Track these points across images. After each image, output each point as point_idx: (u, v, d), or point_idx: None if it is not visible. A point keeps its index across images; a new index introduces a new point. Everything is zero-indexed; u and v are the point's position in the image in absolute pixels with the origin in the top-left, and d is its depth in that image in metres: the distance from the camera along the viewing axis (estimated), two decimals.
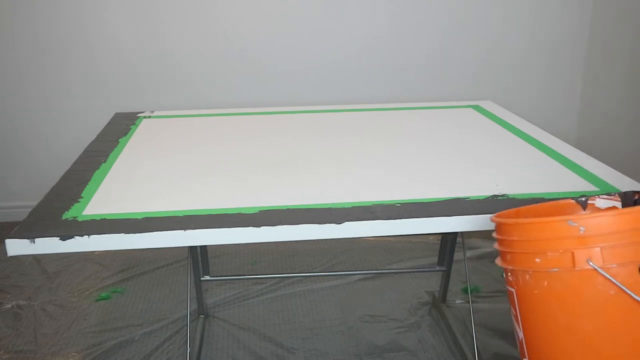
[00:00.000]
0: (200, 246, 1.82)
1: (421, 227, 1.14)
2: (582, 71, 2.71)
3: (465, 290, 2.06)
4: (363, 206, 1.18)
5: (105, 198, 1.24)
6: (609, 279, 0.88)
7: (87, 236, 1.07)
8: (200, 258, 1.85)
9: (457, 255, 2.02)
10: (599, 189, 1.26)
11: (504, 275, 1.02)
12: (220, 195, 1.24)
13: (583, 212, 1.13)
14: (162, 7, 2.43)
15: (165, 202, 1.21)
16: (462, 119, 1.83)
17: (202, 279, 1.87)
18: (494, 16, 2.58)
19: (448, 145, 1.56)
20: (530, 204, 1.15)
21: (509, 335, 1.84)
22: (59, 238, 1.06)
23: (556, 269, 0.91)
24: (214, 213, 1.15)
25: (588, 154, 1.50)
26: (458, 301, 2.00)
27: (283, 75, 2.58)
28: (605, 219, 0.89)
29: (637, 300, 0.87)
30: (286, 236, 1.11)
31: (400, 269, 2.23)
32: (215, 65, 2.54)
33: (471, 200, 1.21)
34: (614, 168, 1.39)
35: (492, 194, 1.23)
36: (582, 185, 1.29)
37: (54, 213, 1.16)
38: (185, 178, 1.34)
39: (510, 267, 0.99)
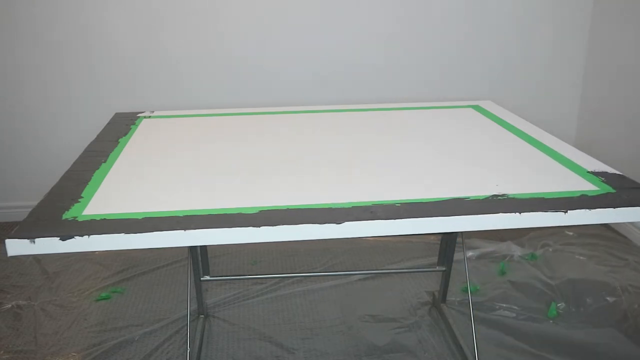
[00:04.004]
0: (200, 246, 1.82)
1: (421, 227, 1.14)
2: (582, 71, 2.71)
3: (465, 290, 2.06)
4: (363, 206, 1.18)
5: (105, 198, 1.24)
6: None
7: (87, 236, 1.07)
8: (200, 258, 1.85)
9: (457, 255, 2.02)
10: (599, 189, 1.26)
11: None
12: (220, 195, 1.24)
13: None
14: (162, 8, 2.43)
15: (165, 202, 1.20)
16: (462, 119, 1.83)
17: (202, 279, 1.87)
18: (494, 16, 2.58)
19: (448, 145, 1.56)
20: (530, 204, 1.14)
21: (509, 335, 1.84)
22: (59, 238, 1.06)
23: None
24: (214, 213, 1.15)
25: (588, 154, 1.50)
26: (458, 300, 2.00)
27: (283, 75, 2.58)
28: None
29: None
30: (286, 236, 1.11)
31: (400, 269, 2.23)
32: (216, 65, 2.53)
33: (471, 200, 1.21)
34: (614, 168, 1.39)
35: (492, 194, 1.23)
36: (582, 185, 1.29)
37: (54, 213, 1.16)
38: (185, 178, 1.34)
39: None
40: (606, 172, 1.36)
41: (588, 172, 1.37)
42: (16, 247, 1.06)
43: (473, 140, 1.61)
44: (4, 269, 2.25)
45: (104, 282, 2.17)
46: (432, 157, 1.47)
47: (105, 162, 1.46)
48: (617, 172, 1.36)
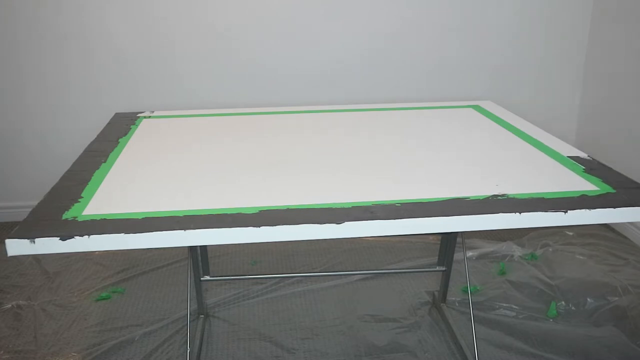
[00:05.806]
0: (200, 246, 1.82)
1: (421, 227, 1.14)
2: (582, 71, 2.71)
3: (465, 290, 2.06)
4: (363, 206, 1.18)
5: (105, 198, 1.24)
6: None
7: (87, 236, 1.07)
8: (200, 258, 1.85)
9: (457, 255, 2.02)
10: (599, 189, 1.26)
11: None
12: (220, 195, 1.24)
13: None
14: (163, 8, 2.43)
15: (165, 202, 1.21)
16: (462, 119, 1.83)
17: (202, 279, 1.87)
18: (493, 16, 2.58)
19: (448, 145, 1.56)
20: (530, 204, 1.14)
21: (509, 335, 1.84)
22: (59, 238, 1.06)
23: None
24: (214, 213, 1.15)
25: (588, 154, 1.50)
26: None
27: (284, 75, 2.58)
28: None
29: None
30: (286, 236, 1.11)
31: (400, 269, 2.23)
32: (216, 65, 2.53)
33: (471, 200, 1.21)
34: (614, 168, 1.39)
35: (492, 194, 1.23)
36: (581, 185, 1.29)
37: (54, 213, 1.16)
38: (185, 178, 1.34)
39: None
40: (606, 172, 1.36)
41: (587, 171, 1.37)
42: (16, 247, 1.06)
43: (473, 140, 1.61)
44: (4, 269, 2.25)
45: (104, 282, 2.17)
46: (432, 157, 1.47)
47: (105, 162, 1.46)
48: (617, 172, 1.36)
